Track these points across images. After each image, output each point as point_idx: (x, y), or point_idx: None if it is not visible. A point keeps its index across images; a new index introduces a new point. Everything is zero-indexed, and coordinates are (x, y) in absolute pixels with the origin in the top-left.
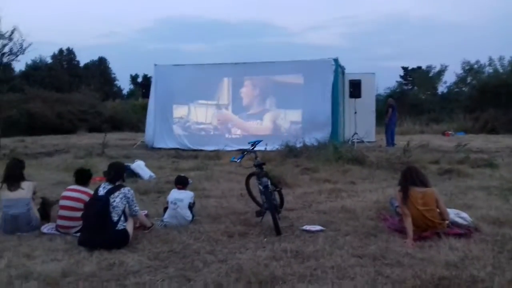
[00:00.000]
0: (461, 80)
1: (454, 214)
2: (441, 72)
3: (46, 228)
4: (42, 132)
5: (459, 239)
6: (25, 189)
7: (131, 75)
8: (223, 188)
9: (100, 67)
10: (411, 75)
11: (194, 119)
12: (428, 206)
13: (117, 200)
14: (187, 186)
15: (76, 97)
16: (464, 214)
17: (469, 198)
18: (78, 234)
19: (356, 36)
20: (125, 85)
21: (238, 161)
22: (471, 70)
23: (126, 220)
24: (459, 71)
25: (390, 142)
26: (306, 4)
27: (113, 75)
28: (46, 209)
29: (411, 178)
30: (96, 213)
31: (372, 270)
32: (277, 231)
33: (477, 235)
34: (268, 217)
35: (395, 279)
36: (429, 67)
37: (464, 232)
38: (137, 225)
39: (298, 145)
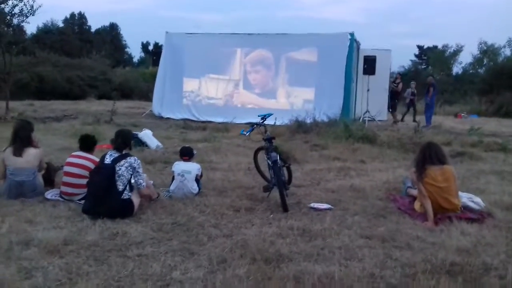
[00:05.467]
0: (477, 61)
1: (467, 198)
2: (456, 52)
3: (50, 194)
4: (52, 97)
5: (471, 224)
6: (31, 156)
7: (142, 43)
8: (231, 161)
9: (111, 33)
10: (426, 54)
11: (205, 93)
12: (448, 182)
13: (122, 169)
14: (193, 157)
15: (86, 62)
16: (477, 199)
17: (481, 183)
18: (82, 202)
19: (372, 12)
20: (136, 53)
21: (247, 134)
22: (487, 51)
23: (131, 190)
24: (476, 51)
25: (429, 122)
26: None
27: (124, 42)
28: (50, 175)
29: (429, 156)
30: (101, 181)
31: (381, 252)
32: (284, 207)
33: (490, 221)
34: (275, 193)
35: (405, 263)
36: (445, 47)
37: (476, 217)
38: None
39: (308, 121)
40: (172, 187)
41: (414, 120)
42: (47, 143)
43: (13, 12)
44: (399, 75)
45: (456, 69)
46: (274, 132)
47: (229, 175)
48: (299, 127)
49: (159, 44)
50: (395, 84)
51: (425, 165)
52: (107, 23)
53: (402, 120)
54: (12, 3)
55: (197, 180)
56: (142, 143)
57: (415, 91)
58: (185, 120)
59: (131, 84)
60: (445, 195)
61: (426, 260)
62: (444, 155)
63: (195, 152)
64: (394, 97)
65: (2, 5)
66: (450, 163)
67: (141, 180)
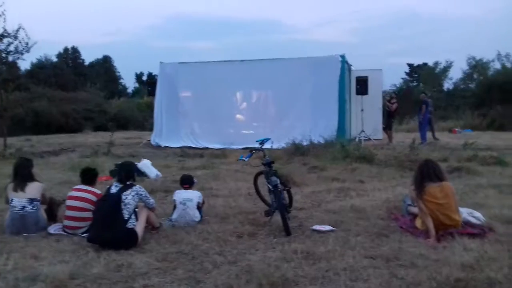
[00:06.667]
0: (467, 76)
1: (467, 213)
2: (446, 69)
3: (53, 228)
4: (48, 131)
5: (473, 239)
6: (34, 189)
7: (136, 73)
8: (231, 187)
9: (105, 65)
10: (416, 71)
11: (201, 120)
12: (448, 199)
13: (129, 198)
14: (193, 185)
15: (81, 95)
16: (478, 214)
17: (480, 197)
18: (85, 235)
19: (362, 32)
20: (130, 84)
21: (247, 159)
22: (477, 66)
23: (136, 220)
24: (465, 67)
25: (424, 139)
26: (313, 0)
27: (117, 74)
28: (53, 209)
29: (427, 173)
30: (107, 209)
31: (386, 272)
32: (287, 231)
33: (491, 235)
34: (277, 217)
35: (410, 281)
36: (435, 64)
37: (478, 232)
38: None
39: (305, 143)
40: (174, 216)
41: (436, 137)
42: (47, 178)
43: (8, 50)
44: (394, 95)
45: (447, 85)
46: (271, 155)
47: (230, 201)
48: (296, 150)
49: (153, 74)
50: (390, 104)
51: (423, 183)
52: (100, 56)
53: (435, 138)
54: (8, 41)
55: (199, 207)
56: (141, 173)
57: (432, 109)
58: (182, 148)
59: (127, 114)
60: (445, 211)
61: (431, 277)
62: (441, 172)
63: (195, 180)
64: (390, 116)
65: None
66: (448, 179)
67: (152, 200)
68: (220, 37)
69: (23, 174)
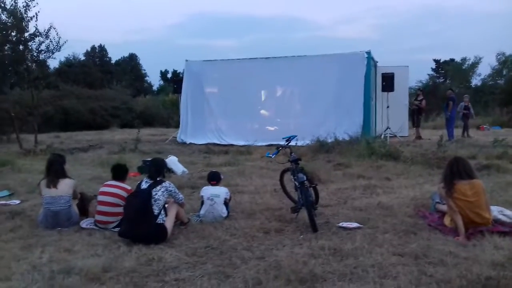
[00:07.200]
0: (496, 72)
1: (498, 212)
2: (474, 65)
3: (85, 223)
4: (76, 128)
5: (503, 237)
6: (66, 186)
7: (161, 71)
8: (256, 184)
9: (131, 63)
10: (443, 67)
11: (226, 117)
12: (478, 196)
13: (158, 193)
14: (220, 181)
15: (108, 93)
16: (508, 212)
17: (510, 195)
18: (117, 230)
19: (386, 28)
20: (155, 81)
21: (273, 156)
22: (506, 61)
23: (166, 215)
24: (494, 63)
25: (451, 136)
26: None
27: (143, 71)
28: (84, 205)
29: (457, 170)
30: (138, 205)
31: (414, 269)
32: (314, 228)
33: None
34: (303, 214)
35: (440, 279)
36: (463, 59)
37: (508, 230)
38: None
39: (330, 140)
40: (202, 212)
41: (464, 135)
42: (77, 174)
43: (39, 49)
44: (420, 91)
45: (475, 81)
46: (296, 152)
47: (256, 198)
48: (321, 147)
49: (178, 71)
50: (418, 101)
51: (453, 180)
52: (126, 54)
53: (468, 136)
54: (39, 40)
55: (226, 203)
56: (168, 170)
57: (469, 105)
58: (207, 144)
59: (152, 111)
60: (475, 209)
61: (461, 275)
62: (471, 169)
63: (222, 176)
64: (418, 113)
65: (30, 43)
66: (478, 177)
67: (181, 196)
68: (243, 35)
69: (56, 170)
